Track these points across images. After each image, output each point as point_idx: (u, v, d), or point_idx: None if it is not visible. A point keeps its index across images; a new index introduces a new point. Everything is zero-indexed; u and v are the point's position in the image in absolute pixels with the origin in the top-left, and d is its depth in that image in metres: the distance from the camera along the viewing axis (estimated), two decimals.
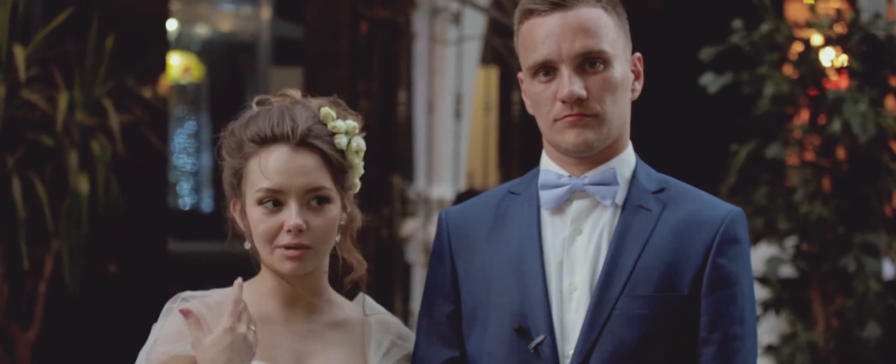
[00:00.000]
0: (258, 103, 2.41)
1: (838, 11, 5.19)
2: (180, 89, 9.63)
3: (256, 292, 2.37)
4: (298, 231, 2.28)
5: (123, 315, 5.21)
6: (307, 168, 2.30)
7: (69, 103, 4.95)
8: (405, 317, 7.39)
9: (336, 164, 2.33)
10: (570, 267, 2.25)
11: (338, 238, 2.37)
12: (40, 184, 4.82)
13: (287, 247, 2.29)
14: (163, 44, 5.79)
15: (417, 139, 8.20)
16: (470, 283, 2.31)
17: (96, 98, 5.08)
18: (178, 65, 9.38)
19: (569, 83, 2.21)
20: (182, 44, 9.52)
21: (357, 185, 2.40)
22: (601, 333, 2.19)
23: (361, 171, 2.41)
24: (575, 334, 2.21)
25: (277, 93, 2.44)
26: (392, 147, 7.46)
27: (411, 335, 2.44)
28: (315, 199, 2.31)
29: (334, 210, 2.33)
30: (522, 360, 2.22)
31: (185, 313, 2.23)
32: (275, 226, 2.29)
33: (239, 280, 2.26)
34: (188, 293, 2.37)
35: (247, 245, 2.38)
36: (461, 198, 7.37)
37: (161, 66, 5.67)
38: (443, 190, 8.18)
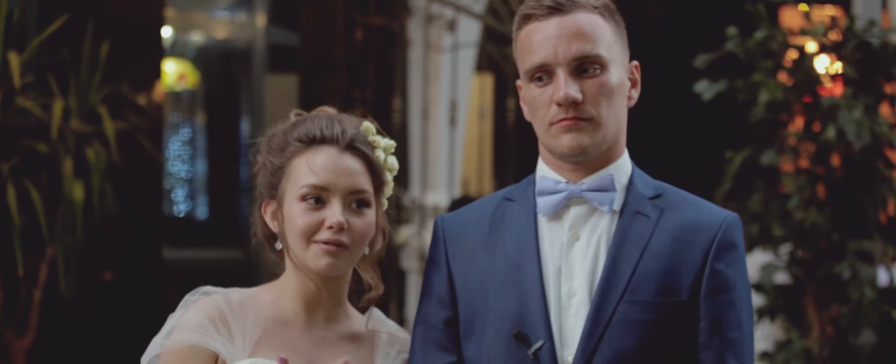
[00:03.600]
0: (296, 115, 2.47)
1: (833, 19, 5.19)
2: (175, 96, 9.61)
3: (278, 295, 2.41)
4: (340, 228, 2.32)
5: (118, 322, 5.20)
6: (353, 170, 2.36)
7: (64, 110, 4.95)
8: (400, 324, 7.37)
9: (378, 172, 2.40)
10: (568, 273, 2.25)
11: (366, 251, 2.41)
12: (35, 191, 4.81)
13: (326, 242, 2.32)
14: (158, 51, 5.79)
15: (412, 146, 8.20)
16: (467, 290, 2.32)
17: (91, 105, 5.08)
18: (173, 72, 9.37)
19: (564, 86, 2.22)
20: (177, 51, 9.51)
21: (385, 203, 2.46)
22: (601, 339, 2.20)
23: (390, 192, 2.47)
24: (574, 340, 2.22)
25: (314, 109, 2.50)
26: None
27: None
28: (356, 202, 2.36)
29: (372, 215, 2.38)
30: None
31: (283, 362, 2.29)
32: (316, 221, 2.33)
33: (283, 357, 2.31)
34: (209, 287, 2.40)
35: (278, 246, 2.41)
36: (456, 204, 7.36)
37: (156, 73, 5.67)
38: (438, 197, 8.17)
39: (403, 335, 2.50)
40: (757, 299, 5.25)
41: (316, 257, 2.34)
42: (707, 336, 2.21)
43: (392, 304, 7.50)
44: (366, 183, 2.37)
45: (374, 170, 2.39)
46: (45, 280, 4.98)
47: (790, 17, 5.90)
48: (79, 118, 5.03)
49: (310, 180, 2.34)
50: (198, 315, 2.32)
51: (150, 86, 5.58)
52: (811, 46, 5.16)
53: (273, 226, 2.41)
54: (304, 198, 2.34)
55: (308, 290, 2.39)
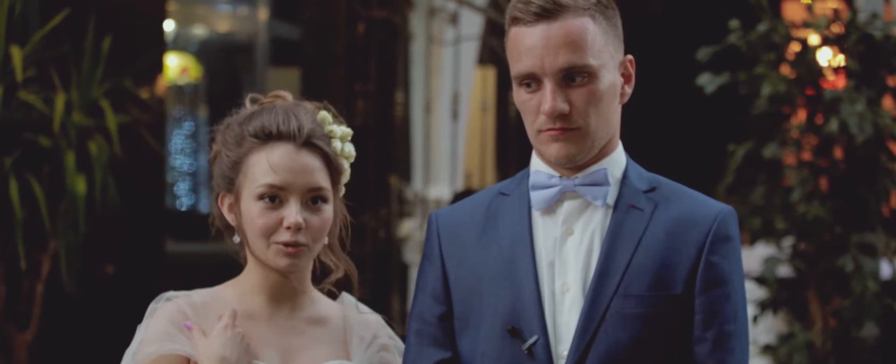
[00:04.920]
0: (252, 101, 2.45)
1: (835, 11, 5.19)
2: (177, 90, 9.63)
3: (241, 290, 2.41)
4: (298, 229, 2.31)
5: (121, 316, 5.17)
6: (310, 168, 2.34)
7: (66, 104, 4.94)
8: (402, 317, 7.39)
9: (335, 166, 2.38)
10: (561, 267, 2.24)
11: (326, 240, 2.40)
12: (37, 185, 4.81)
13: (285, 244, 2.32)
14: (160, 45, 5.79)
15: (415, 140, 8.20)
16: (461, 285, 2.31)
17: (93, 99, 5.07)
18: (176, 65, 9.38)
19: (551, 98, 2.19)
20: (179, 44, 9.52)
21: (342, 189, 2.45)
22: (596, 334, 2.19)
23: (348, 178, 2.45)
24: (569, 334, 2.21)
25: (269, 94, 2.47)
26: (389, 147, 7.46)
27: (390, 331, 2.49)
28: (314, 199, 2.35)
29: (330, 211, 2.37)
30: (516, 360, 2.22)
31: (190, 328, 2.29)
32: (274, 221, 2.32)
33: (234, 310, 2.32)
34: (172, 293, 2.41)
35: (236, 239, 2.40)
36: (458, 198, 7.36)
37: (158, 66, 5.67)
38: (440, 190, 8.17)
39: (374, 317, 2.50)
40: (760, 292, 5.25)
41: (276, 257, 2.33)
42: (702, 329, 2.20)
43: (394, 297, 7.50)
44: (323, 179, 2.36)
45: (331, 164, 2.38)
46: (48, 274, 4.98)
47: (792, 10, 5.91)
48: (81, 112, 5.03)
49: (267, 179, 2.32)
50: (162, 322, 2.33)
51: (153, 79, 5.58)
52: (814, 39, 5.16)
53: (230, 219, 2.40)
54: (261, 197, 2.32)
55: (271, 282, 2.39)
